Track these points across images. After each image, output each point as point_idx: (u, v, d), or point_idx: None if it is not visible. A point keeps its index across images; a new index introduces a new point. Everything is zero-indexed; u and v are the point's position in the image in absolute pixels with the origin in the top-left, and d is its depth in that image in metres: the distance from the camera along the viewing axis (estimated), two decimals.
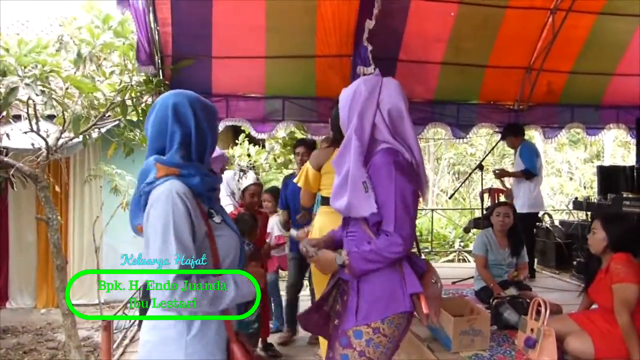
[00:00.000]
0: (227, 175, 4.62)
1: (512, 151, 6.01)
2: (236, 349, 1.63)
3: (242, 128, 6.52)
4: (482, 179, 6.17)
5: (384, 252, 1.78)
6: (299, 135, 6.12)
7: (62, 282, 4.06)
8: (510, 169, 6.41)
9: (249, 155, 7.90)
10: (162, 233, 1.48)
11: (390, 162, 1.81)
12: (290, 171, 6.39)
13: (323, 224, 2.91)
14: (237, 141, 7.89)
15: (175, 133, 1.63)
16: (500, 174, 5.72)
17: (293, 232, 1.98)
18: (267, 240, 4.25)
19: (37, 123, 4.10)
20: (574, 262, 5.88)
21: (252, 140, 7.49)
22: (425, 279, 1.92)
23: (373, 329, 1.83)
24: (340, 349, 1.87)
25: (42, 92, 3.75)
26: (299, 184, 3.11)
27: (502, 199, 6.25)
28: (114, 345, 3.57)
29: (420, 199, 1.98)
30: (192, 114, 1.64)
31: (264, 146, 8.37)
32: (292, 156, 6.90)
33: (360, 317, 1.84)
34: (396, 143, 1.87)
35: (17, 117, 4.58)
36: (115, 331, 3.60)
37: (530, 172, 5.41)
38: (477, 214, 9.33)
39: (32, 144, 4.33)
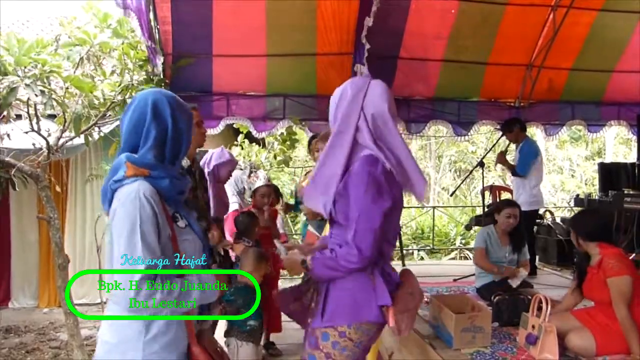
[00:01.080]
0: (236, 174, 4.62)
1: (514, 148, 6.00)
2: (197, 351, 1.63)
3: (241, 130, 6.50)
4: (483, 176, 6.17)
5: (340, 260, 1.79)
6: (298, 131, 6.11)
7: (64, 281, 4.05)
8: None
9: (248, 156, 7.89)
10: (128, 234, 1.49)
11: (365, 174, 1.80)
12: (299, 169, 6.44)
13: None
14: (236, 142, 7.87)
15: (151, 131, 1.63)
16: (501, 159, 5.70)
17: (280, 247, 2.01)
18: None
19: (37, 123, 4.09)
20: (575, 259, 5.89)
21: (252, 140, 7.48)
22: (400, 291, 1.91)
23: (340, 332, 1.84)
24: (309, 350, 1.91)
25: (42, 92, 3.74)
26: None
27: (505, 196, 6.26)
28: None
29: (418, 199, 1.98)
30: (170, 113, 1.65)
31: (264, 145, 8.36)
32: (291, 152, 6.90)
33: (325, 318, 1.86)
34: (376, 150, 1.85)
35: (18, 117, 4.58)
36: None
37: (516, 173, 5.45)
38: (479, 211, 9.34)
39: (33, 144, 4.33)
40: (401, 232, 5.99)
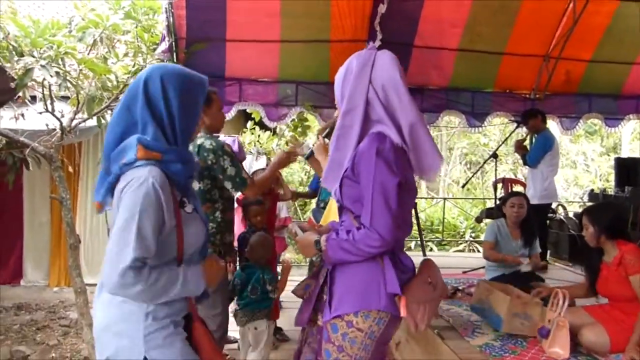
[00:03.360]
0: (247, 159, 4.66)
1: (528, 141, 5.95)
2: (198, 325, 1.67)
3: (253, 115, 6.50)
4: (495, 168, 6.14)
5: (359, 244, 1.68)
6: (309, 117, 6.10)
7: (74, 260, 4.11)
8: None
9: (259, 142, 7.90)
10: (126, 220, 1.47)
11: (372, 150, 1.69)
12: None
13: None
14: (246, 128, 7.87)
15: (148, 110, 1.58)
16: (519, 145, 5.67)
17: (294, 227, 1.96)
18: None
19: (52, 104, 4.13)
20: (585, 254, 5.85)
21: (262, 126, 7.49)
22: (415, 280, 1.81)
23: (346, 322, 1.74)
24: (323, 344, 1.82)
25: (57, 73, 3.77)
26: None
27: (517, 189, 6.22)
28: None
29: (428, 179, 1.84)
30: (161, 90, 1.58)
31: (274, 132, 8.36)
32: (303, 140, 6.89)
33: (332, 307, 1.78)
34: (390, 123, 1.74)
35: (33, 98, 4.62)
36: None
37: (526, 162, 5.43)
38: (490, 204, 9.30)
39: (47, 125, 4.37)
40: (419, 220, 5.92)
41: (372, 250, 1.68)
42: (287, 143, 6.96)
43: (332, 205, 3.14)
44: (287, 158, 3.05)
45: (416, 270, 1.90)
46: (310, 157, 3.10)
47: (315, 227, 2.05)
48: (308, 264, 4.32)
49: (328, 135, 3.07)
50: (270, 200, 4.04)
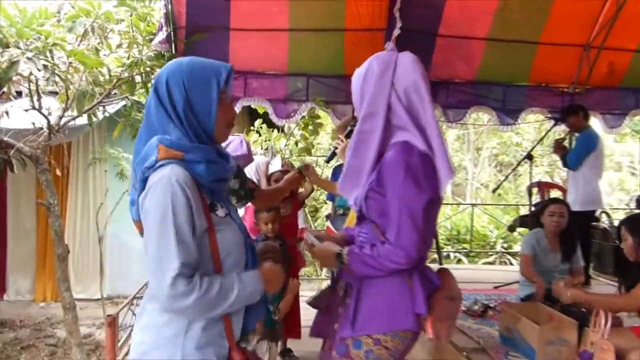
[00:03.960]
0: (257, 160, 4.65)
1: (568, 140, 5.91)
2: (237, 357, 1.63)
3: (259, 110, 6.52)
4: (530, 171, 6.08)
5: (383, 260, 1.77)
6: (321, 114, 6.10)
7: (62, 273, 4.17)
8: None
9: (266, 142, 7.92)
10: (160, 227, 1.48)
11: (401, 163, 1.77)
12: (322, 157, 6.44)
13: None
14: (253, 127, 7.89)
15: (163, 115, 1.61)
16: (558, 145, 5.62)
17: (311, 237, 1.95)
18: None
19: (39, 100, 4.19)
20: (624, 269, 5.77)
21: (270, 124, 7.50)
22: (438, 295, 1.88)
23: (374, 339, 1.83)
24: (337, 358, 1.88)
25: (45, 66, 3.82)
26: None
27: (554, 194, 6.18)
28: (119, 344, 3.65)
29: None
30: (166, 91, 1.61)
31: (283, 131, 8.38)
32: (314, 139, 6.91)
33: (357, 326, 1.85)
34: (414, 129, 1.83)
35: (18, 94, 4.69)
36: (120, 328, 3.69)
37: (566, 164, 5.40)
38: (524, 211, 9.24)
39: (33, 123, 4.43)
40: (437, 229, 5.93)
41: (396, 266, 1.77)
42: (296, 143, 6.97)
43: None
44: (298, 179, 3.04)
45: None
46: (331, 160, 3.13)
47: (340, 237, 2.11)
48: (330, 276, 4.32)
49: (349, 135, 3.10)
50: (292, 205, 4.06)
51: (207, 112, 1.63)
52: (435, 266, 2.03)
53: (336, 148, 2.98)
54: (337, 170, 4.31)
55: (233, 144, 3.87)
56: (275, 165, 4.06)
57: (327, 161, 3.28)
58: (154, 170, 1.55)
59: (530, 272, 4.04)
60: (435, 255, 6.16)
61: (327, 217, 4.66)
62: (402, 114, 1.84)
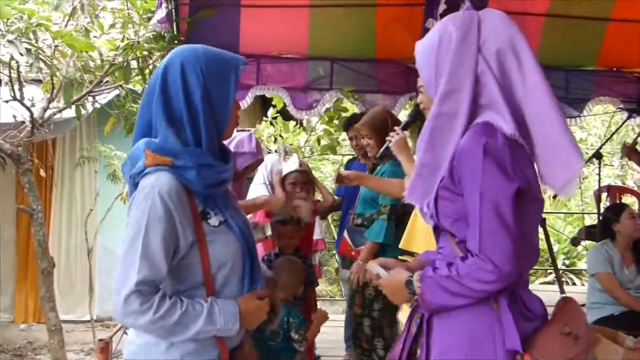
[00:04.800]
0: (269, 159, 4.68)
1: None
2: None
3: (274, 101, 6.55)
4: (599, 173, 6.01)
5: (466, 280, 1.57)
6: (348, 105, 6.10)
7: (47, 290, 4.23)
8: None
9: (281, 137, 7.91)
10: (131, 239, 1.60)
11: (479, 148, 1.59)
12: (349, 155, 6.44)
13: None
14: (266, 117, 7.88)
15: (165, 105, 1.68)
16: (632, 150, 5.53)
17: (375, 267, 1.82)
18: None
19: (20, 89, 4.25)
20: None
21: (287, 116, 7.49)
22: (546, 329, 1.67)
23: None
24: None
25: (28, 50, 3.88)
26: None
27: (627, 200, 6.09)
28: None
29: (558, 192, 1.71)
30: (180, 79, 1.67)
31: (302, 125, 8.38)
32: (340, 135, 6.90)
33: None
34: (505, 107, 1.64)
35: None
36: (113, 355, 3.73)
37: None
38: (590, 220, 9.11)
39: (14, 116, 4.50)
40: (550, 241, 5.65)
41: (485, 287, 1.57)
42: (318, 140, 6.97)
43: (417, 224, 3.12)
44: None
45: (549, 316, 1.76)
46: (384, 156, 3.09)
47: (416, 262, 1.95)
48: (348, 297, 4.31)
49: (407, 127, 3.08)
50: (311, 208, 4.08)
51: (225, 104, 1.73)
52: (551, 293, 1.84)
53: (390, 141, 2.96)
54: (350, 166, 4.28)
55: (237, 140, 3.88)
56: (291, 165, 4.05)
57: (381, 157, 3.25)
58: (142, 177, 1.65)
59: (626, 296, 4.00)
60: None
61: (341, 226, 4.63)
62: (492, 88, 1.66)
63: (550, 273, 9.61)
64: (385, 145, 2.88)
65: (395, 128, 2.96)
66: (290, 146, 7.23)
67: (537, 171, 1.71)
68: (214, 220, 1.72)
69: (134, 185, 1.68)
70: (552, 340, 1.63)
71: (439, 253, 1.79)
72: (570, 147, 1.64)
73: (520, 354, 1.58)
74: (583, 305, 4.43)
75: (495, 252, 1.54)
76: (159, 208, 1.59)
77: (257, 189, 4.51)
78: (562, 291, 5.28)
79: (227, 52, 1.77)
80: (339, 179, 3.46)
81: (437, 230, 1.78)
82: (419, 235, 3.15)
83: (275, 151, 6.27)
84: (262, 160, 4.16)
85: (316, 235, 4.77)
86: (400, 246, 3.32)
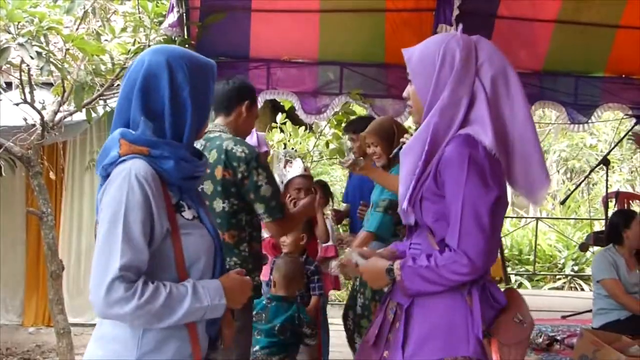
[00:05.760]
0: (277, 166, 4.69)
1: None
2: None
3: (283, 104, 6.55)
4: (606, 179, 5.99)
5: (443, 271, 1.79)
6: (356, 108, 6.10)
7: (56, 293, 4.22)
8: None
9: (290, 142, 7.91)
10: (109, 223, 1.55)
11: (464, 157, 1.81)
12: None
13: None
14: (275, 123, 7.89)
15: (144, 99, 1.68)
16: None
17: (353, 255, 2.00)
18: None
19: (31, 92, 4.26)
20: None
21: (295, 121, 7.49)
22: (504, 317, 1.90)
23: None
24: None
25: (38, 54, 3.89)
26: None
27: (636, 207, 6.06)
28: None
29: (533, 202, 2.04)
30: (167, 75, 1.68)
31: (311, 129, 8.39)
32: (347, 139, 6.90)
33: (407, 353, 1.87)
34: (489, 125, 1.84)
35: (8, 85, 4.79)
36: None
37: None
38: (599, 226, 9.07)
39: (25, 119, 4.52)
40: (502, 242, 5.85)
41: (458, 278, 1.80)
42: (327, 144, 6.97)
43: None
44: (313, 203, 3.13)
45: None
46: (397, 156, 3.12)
47: (388, 251, 2.17)
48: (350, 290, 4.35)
49: None
50: (323, 251, 4.12)
51: (207, 106, 1.78)
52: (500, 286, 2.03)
53: (404, 143, 2.96)
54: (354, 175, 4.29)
55: None
56: (295, 170, 4.05)
57: (393, 157, 3.30)
58: (116, 166, 1.62)
59: (630, 301, 3.99)
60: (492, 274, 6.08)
61: (352, 231, 4.66)
62: (483, 106, 1.87)
63: (559, 278, 9.58)
64: (398, 147, 2.90)
65: (410, 131, 3.00)
66: (293, 151, 7.22)
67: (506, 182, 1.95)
68: (187, 214, 1.71)
69: (105, 177, 1.65)
70: (509, 327, 1.88)
71: (411, 247, 2.01)
72: (542, 166, 1.92)
73: (487, 339, 1.84)
74: (589, 311, 4.40)
75: (471, 249, 1.77)
76: (137, 192, 1.56)
77: None
78: (507, 282, 5.65)
79: (201, 56, 1.83)
80: (353, 164, 3.50)
81: (413, 228, 2.01)
82: None
83: (278, 157, 6.27)
84: (267, 153, 4.16)
85: (330, 242, 4.76)
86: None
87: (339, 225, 5.82)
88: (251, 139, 3.89)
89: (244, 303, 1.80)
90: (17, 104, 4.29)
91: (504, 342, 1.85)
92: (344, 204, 4.59)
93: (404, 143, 2.94)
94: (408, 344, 1.87)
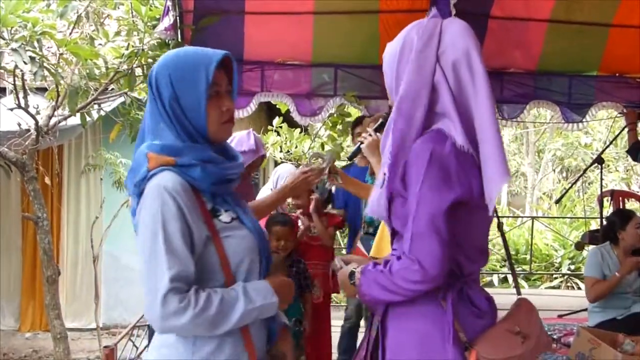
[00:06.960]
0: (282, 169, 4.67)
1: None
2: None
3: (279, 106, 6.54)
4: (601, 178, 6.00)
5: (396, 277, 1.65)
6: (351, 110, 6.10)
7: (52, 298, 4.22)
8: None
9: (286, 144, 7.91)
10: (150, 241, 1.55)
11: (426, 154, 1.64)
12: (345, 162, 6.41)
13: None
14: (271, 126, 7.90)
15: (158, 107, 1.69)
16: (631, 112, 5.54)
17: (338, 260, 1.94)
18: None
19: (25, 97, 4.26)
20: None
21: (291, 124, 7.50)
22: (495, 327, 1.73)
23: None
24: None
25: (32, 59, 3.89)
26: None
27: (631, 205, 6.07)
28: None
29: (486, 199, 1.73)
30: (155, 86, 1.69)
31: (306, 131, 8.39)
32: (344, 140, 6.90)
33: None
34: (456, 117, 1.69)
35: (2, 90, 4.78)
36: None
37: (637, 159, 5.37)
38: (595, 225, 9.09)
39: (19, 124, 4.52)
40: (507, 245, 5.75)
41: (411, 286, 1.63)
42: (322, 145, 6.96)
43: (385, 231, 3.14)
44: (304, 181, 2.99)
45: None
46: (354, 157, 3.08)
47: (369, 258, 2.11)
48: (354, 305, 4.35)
49: (380, 128, 3.07)
50: (327, 221, 4.12)
51: (196, 108, 1.66)
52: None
53: (362, 143, 2.93)
54: (347, 171, 4.26)
55: (236, 139, 3.87)
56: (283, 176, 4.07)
57: (350, 158, 3.24)
58: (146, 182, 1.62)
59: (598, 288, 4.03)
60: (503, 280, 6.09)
61: (350, 234, 4.64)
62: (446, 98, 1.71)
63: (556, 277, 9.60)
64: (356, 147, 2.86)
65: (368, 129, 2.94)
66: (321, 153, 7.20)
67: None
68: (225, 217, 1.70)
69: (139, 195, 1.64)
70: (498, 338, 1.69)
71: (392, 252, 1.85)
72: (500, 162, 1.68)
73: (469, 349, 1.67)
74: (586, 309, 4.41)
75: (422, 255, 1.60)
76: (171, 205, 1.56)
77: (266, 193, 4.50)
78: (518, 293, 5.36)
79: (208, 49, 1.74)
80: (331, 171, 3.41)
81: (393, 232, 1.84)
82: (387, 244, 3.24)
83: (287, 152, 6.23)
84: (264, 156, 4.14)
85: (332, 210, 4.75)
86: (370, 254, 3.31)
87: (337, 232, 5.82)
88: (249, 142, 3.88)
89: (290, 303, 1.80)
90: (11, 109, 4.29)
91: (485, 355, 1.65)
92: (339, 210, 4.56)
93: (362, 142, 2.91)
94: (386, 355, 1.78)
